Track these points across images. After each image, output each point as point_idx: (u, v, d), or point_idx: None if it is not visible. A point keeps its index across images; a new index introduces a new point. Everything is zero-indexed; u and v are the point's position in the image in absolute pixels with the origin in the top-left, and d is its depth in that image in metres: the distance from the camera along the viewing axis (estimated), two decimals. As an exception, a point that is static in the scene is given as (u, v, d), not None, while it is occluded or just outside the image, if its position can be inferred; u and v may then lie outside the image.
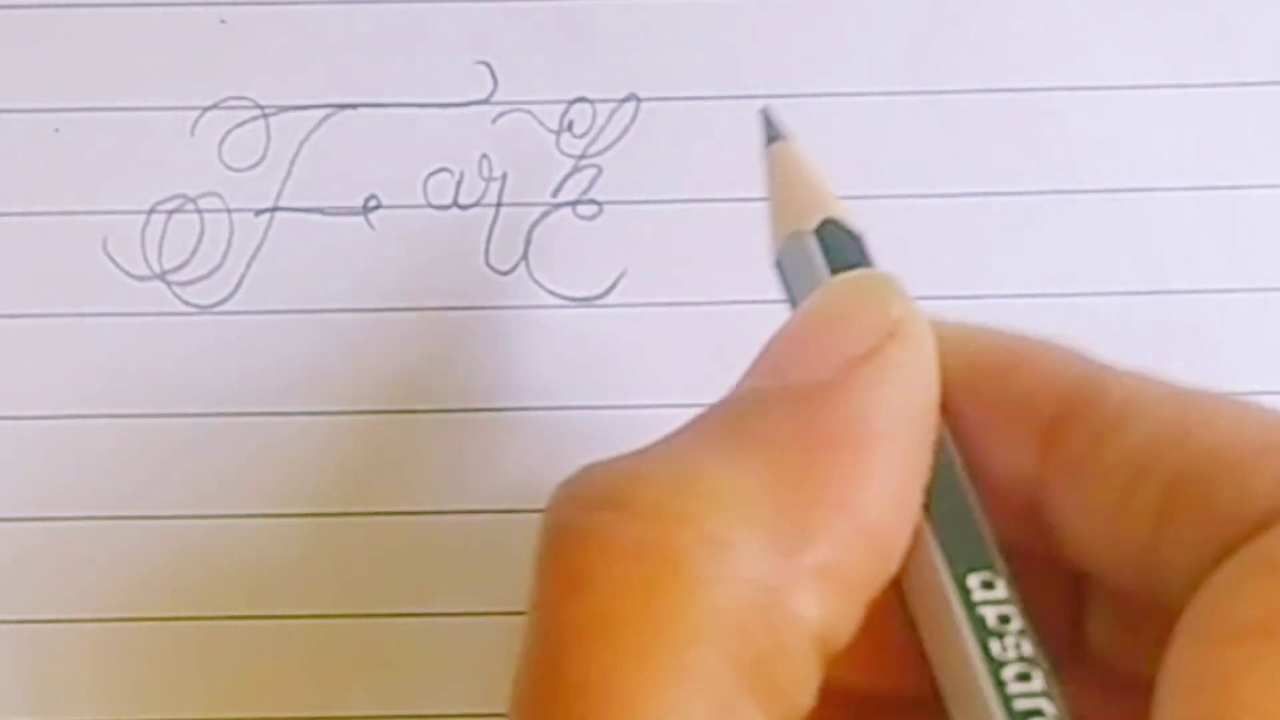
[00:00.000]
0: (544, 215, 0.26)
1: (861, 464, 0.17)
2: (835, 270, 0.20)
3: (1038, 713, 0.16)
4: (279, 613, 0.25)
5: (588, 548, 0.16)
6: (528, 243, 0.26)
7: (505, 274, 0.26)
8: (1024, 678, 0.17)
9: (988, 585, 0.17)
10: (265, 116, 0.27)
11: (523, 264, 0.26)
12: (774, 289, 0.27)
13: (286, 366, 0.26)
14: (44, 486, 0.25)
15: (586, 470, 0.17)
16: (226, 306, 0.26)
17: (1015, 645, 0.17)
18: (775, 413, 0.17)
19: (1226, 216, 0.26)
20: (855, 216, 0.20)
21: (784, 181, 0.21)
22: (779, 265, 0.21)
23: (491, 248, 0.26)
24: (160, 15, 0.27)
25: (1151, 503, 0.16)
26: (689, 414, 0.17)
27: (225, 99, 0.27)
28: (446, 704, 0.25)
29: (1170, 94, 0.27)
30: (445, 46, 0.27)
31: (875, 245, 0.20)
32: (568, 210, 0.26)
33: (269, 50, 0.27)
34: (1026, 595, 0.18)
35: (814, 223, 0.20)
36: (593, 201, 0.26)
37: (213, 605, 0.25)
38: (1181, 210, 0.26)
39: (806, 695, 0.16)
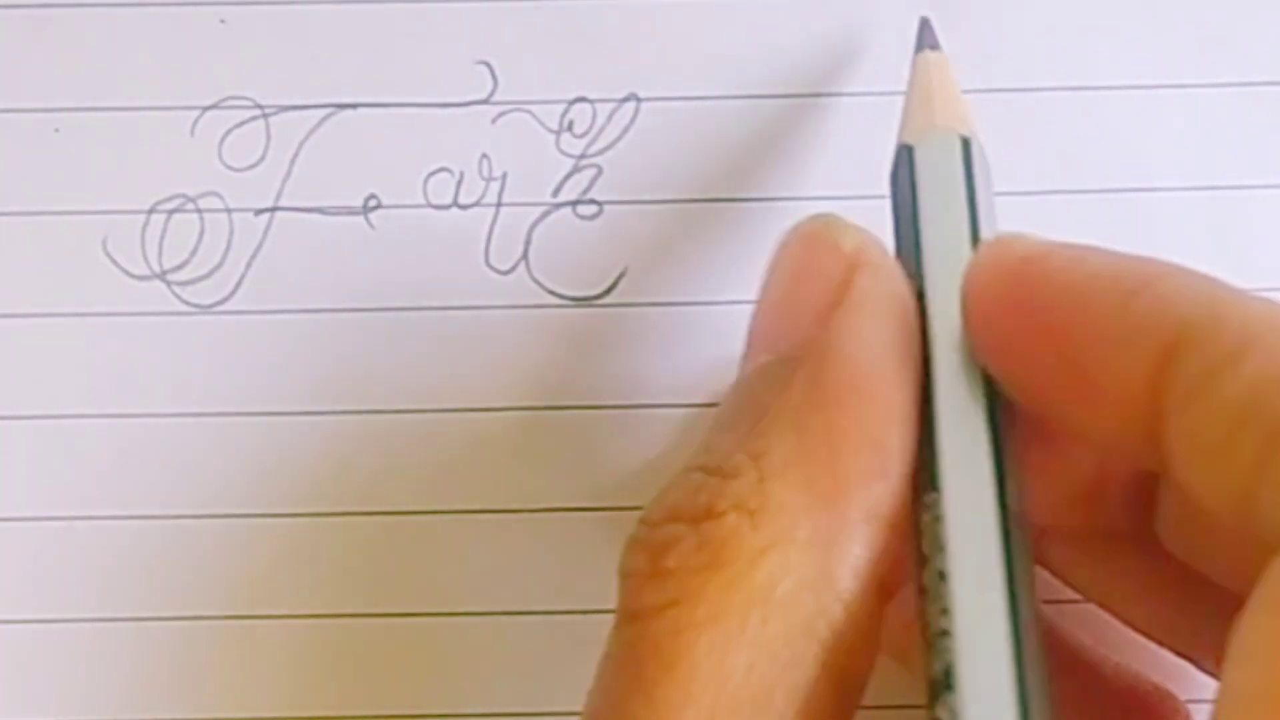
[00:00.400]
0: (544, 215, 0.26)
1: (868, 401, 0.18)
2: (896, 194, 0.21)
3: (943, 633, 0.17)
4: (281, 613, 0.25)
5: (655, 552, 0.18)
6: (528, 243, 0.26)
7: (505, 274, 0.26)
8: (936, 599, 0.17)
9: (927, 507, 0.18)
10: (265, 116, 0.27)
11: (523, 264, 0.26)
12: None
13: (286, 366, 0.26)
14: (44, 486, 0.25)
15: (655, 499, 0.19)
16: (226, 306, 0.26)
17: (935, 567, 0.18)
18: (779, 383, 0.18)
19: (1226, 216, 0.26)
20: (968, 122, 0.21)
21: (912, 93, 0.23)
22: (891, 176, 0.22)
23: (491, 248, 0.26)
24: (160, 15, 0.27)
25: (1252, 449, 0.16)
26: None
27: (225, 99, 0.27)
28: (448, 705, 0.25)
29: (1170, 94, 0.27)
30: (445, 46, 0.27)
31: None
32: (568, 210, 0.26)
33: (269, 50, 0.27)
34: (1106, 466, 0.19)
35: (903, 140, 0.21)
36: (593, 201, 0.26)
37: (213, 605, 0.25)
38: (1181, 210, 0.26)
39: (869, 644, 0.18)
